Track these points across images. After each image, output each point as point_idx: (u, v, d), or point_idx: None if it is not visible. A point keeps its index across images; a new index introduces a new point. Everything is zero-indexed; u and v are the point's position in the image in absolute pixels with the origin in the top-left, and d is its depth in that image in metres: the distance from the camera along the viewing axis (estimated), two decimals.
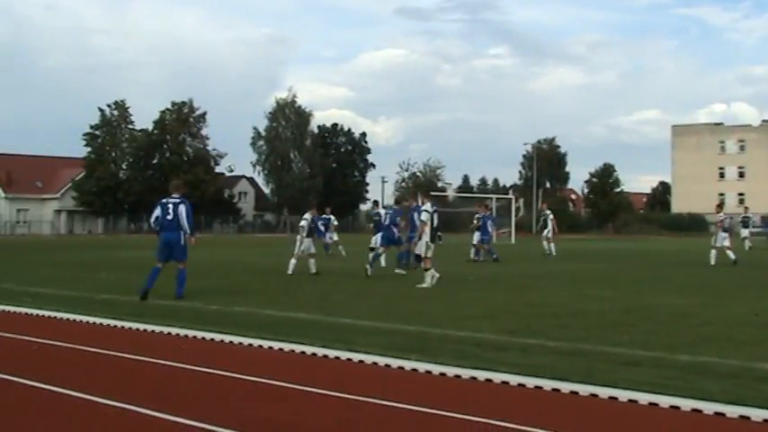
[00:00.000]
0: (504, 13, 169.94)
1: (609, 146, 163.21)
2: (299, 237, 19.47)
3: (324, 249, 29.76)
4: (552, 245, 29.05)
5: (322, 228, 30.13)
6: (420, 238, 15.98)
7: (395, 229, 19.93)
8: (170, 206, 13.38)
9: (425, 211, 15.95)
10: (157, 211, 13.47)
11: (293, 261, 19.06)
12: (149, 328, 10.08)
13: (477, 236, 26.25)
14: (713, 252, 23.72)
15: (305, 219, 19.50)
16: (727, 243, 23.88)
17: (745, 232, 36.68)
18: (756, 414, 5.70)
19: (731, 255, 23.47)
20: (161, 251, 13.44)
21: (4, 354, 8.68)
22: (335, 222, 31.16)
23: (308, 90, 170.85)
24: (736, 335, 9.34)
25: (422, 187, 63.28)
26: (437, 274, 15.65)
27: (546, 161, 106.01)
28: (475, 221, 27.08)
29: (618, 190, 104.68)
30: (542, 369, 7.21)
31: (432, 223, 15.92)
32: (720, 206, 26.24)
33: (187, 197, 14.16)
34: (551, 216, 29.97)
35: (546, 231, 29.58)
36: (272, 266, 22.57)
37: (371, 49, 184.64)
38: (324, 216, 30.82)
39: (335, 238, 30.29)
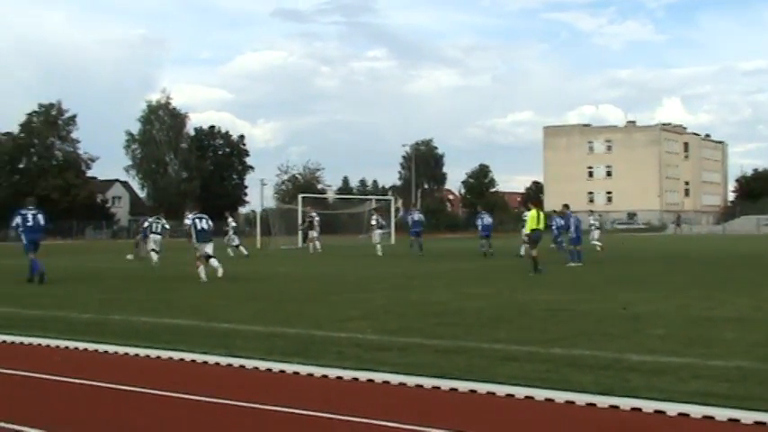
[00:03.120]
0: (381, 16, 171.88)
1: (484, 147, 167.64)
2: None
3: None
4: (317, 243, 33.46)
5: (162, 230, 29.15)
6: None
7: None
8: (29, 215, 17.80)
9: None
10: (19, 219, 17.78)
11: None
12: (17, 339, 9.64)
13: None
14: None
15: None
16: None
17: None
18: (625, 403, 5.95)
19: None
20: (29, 246, 17.75)
21: None
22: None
23: (184, 92, 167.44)
24: (606, 328, 9.73)
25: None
26: None
27: (424, 162, 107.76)
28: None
29: (493, 190, 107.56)
30: (423, 367, 7.31)
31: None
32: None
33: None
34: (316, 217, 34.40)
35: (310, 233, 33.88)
36: (148, 273, 22.00)
37: (249, 50, 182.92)
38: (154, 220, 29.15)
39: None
